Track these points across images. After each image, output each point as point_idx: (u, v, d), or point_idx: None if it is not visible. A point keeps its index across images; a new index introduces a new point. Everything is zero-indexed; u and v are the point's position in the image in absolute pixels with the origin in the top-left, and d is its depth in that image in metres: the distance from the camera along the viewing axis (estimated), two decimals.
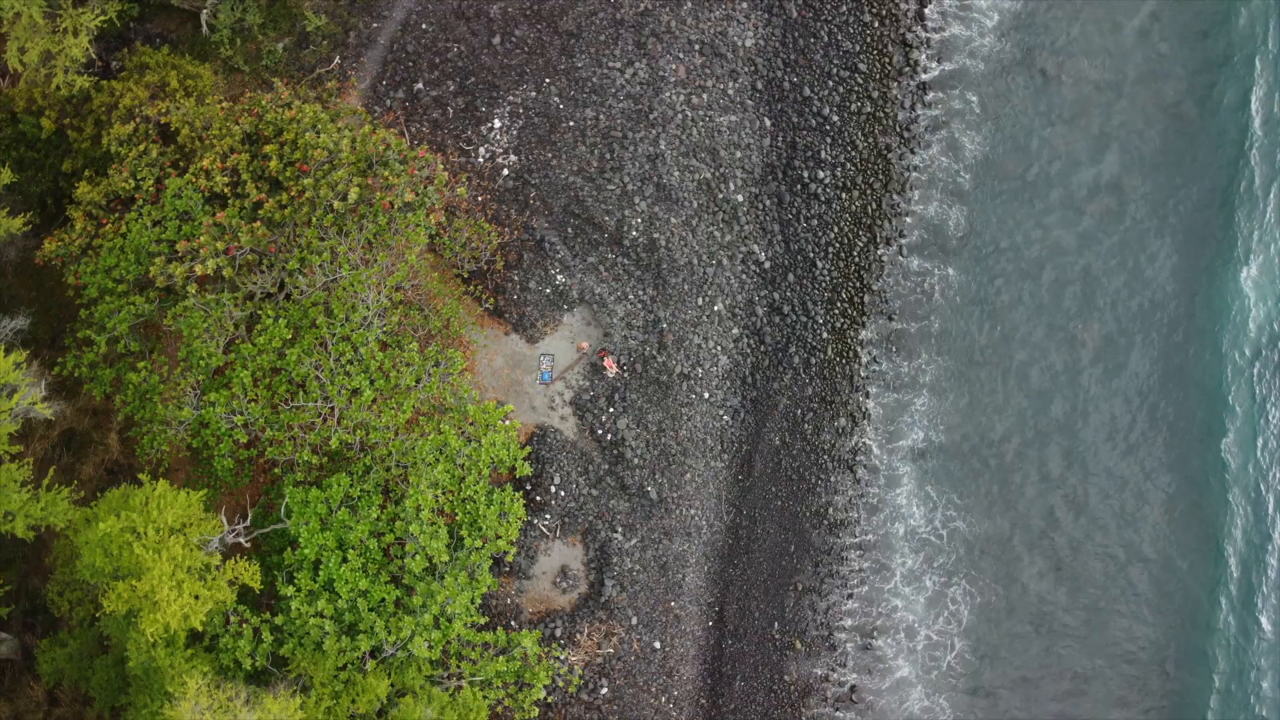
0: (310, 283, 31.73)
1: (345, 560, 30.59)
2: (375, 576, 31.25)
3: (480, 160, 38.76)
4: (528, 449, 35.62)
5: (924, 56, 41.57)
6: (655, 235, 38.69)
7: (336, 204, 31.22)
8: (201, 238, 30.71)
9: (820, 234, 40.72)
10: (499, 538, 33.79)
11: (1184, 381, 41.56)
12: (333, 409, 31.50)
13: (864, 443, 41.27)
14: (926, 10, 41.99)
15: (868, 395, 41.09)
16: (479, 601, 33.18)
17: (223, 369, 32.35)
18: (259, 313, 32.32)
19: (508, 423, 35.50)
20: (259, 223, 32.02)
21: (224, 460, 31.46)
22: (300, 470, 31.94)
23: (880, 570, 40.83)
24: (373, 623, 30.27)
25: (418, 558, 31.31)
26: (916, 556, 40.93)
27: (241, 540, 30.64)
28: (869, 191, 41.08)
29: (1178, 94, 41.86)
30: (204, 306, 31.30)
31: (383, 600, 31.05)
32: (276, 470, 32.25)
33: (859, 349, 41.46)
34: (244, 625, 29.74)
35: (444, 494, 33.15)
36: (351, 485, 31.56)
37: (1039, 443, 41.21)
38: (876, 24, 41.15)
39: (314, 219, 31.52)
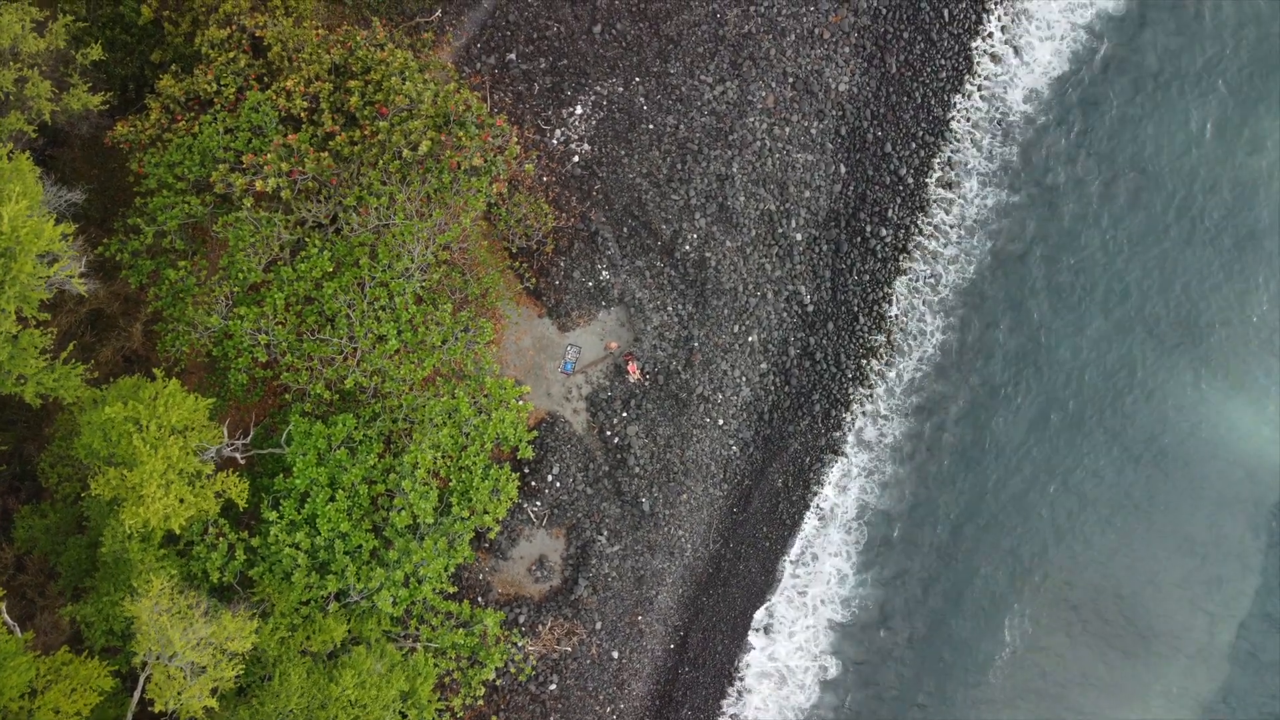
0: (363, 223, 31.98)
1: (333, 499, 30.74)
2: (358, 522, 31.40)
3: (554, 142, 38.94)
4: (534, 433, 35.67)
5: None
6: (707, 254, 38.68)
7: (406, 152, 31.46)
8: (269, 154, 31.04)
9: (869, 291, 40.54)
10: (486, 513, 33.85)
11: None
12: (355, 350, 31.69)
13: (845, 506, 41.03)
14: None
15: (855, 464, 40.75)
16: (452, 570, 33.21)
17: (258, 287, 32.63)
18: (306, 240, 32.59)
19: (521, 403, 35.60)
20: (327, 153, 32.32)
21: (239, 375, 31.72)
22: (310, 402, 32.16)
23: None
24: (345, 566, 30.39)
25: (403, 513, 31.41)
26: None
27: (237, 456, 30.83)
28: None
29: None
30: (255, 221, 31.60)
31: (359, 547, 31.18)
32: (287, 396, 32.48)
33: (868, 416, 41.16)
34: (220, 539, 29.95)
35: (443, 458, 33.27)
36: (356, 428, 31.71)
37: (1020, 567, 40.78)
38: (976, 95, 40.96)
39: (381, 162, 31.77)
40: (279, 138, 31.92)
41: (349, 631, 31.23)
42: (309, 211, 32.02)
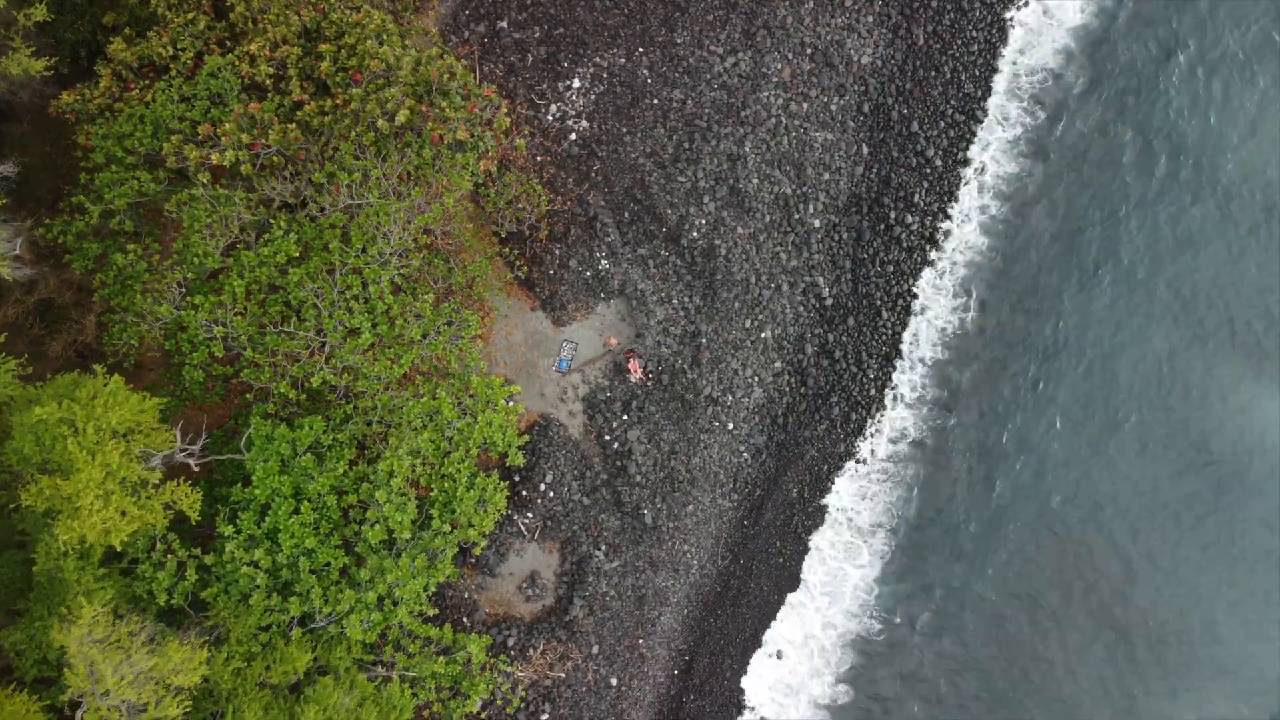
0: (333, 202, 29.04)
1: (297, 511, 27.88)
2: (326, 537, 28.53)
3: (549, 119, 35.95)
4: (525, 438, 32.70)
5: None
6: (717, 241, 35.68)
7: (381, 123, 28.50)
8: (227, 124, 28.03)
9: (894, 283, 37.55)
10: (471, 526, 31.05)
11: None
12: (324, 344, 28.72)
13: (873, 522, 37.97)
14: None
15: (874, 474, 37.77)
16: (433, 590, 30.30)
17: (217, 274, 29.67)
18: (270, 221, 29.63)
19: (511, 404, 32.64)
20: (294, 125, 29.34)
21: (194, 371, 28.78)
22: (274, 402, 29.22)
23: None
24: (310, 587, 27.52)
25: (377, 527, 28.51)
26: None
27: (191, 463, 27.83)
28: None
29: None
30: (212, 200, 28.66)
31: (327, 565, 28.33)
32: (248, 396, 29.49)
33: (892, 419, 38.13)
34: (169, 556, 27.04)
35: (423, 465, 30.44)
36: (325, 431, 28.83)
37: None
38: (1010, 68, 37.96)
39: (354, 134, 28.83)
40: (240, 107, 28.91)
41: (314, 660, 28.30)
42: (273, 189, 29.07)
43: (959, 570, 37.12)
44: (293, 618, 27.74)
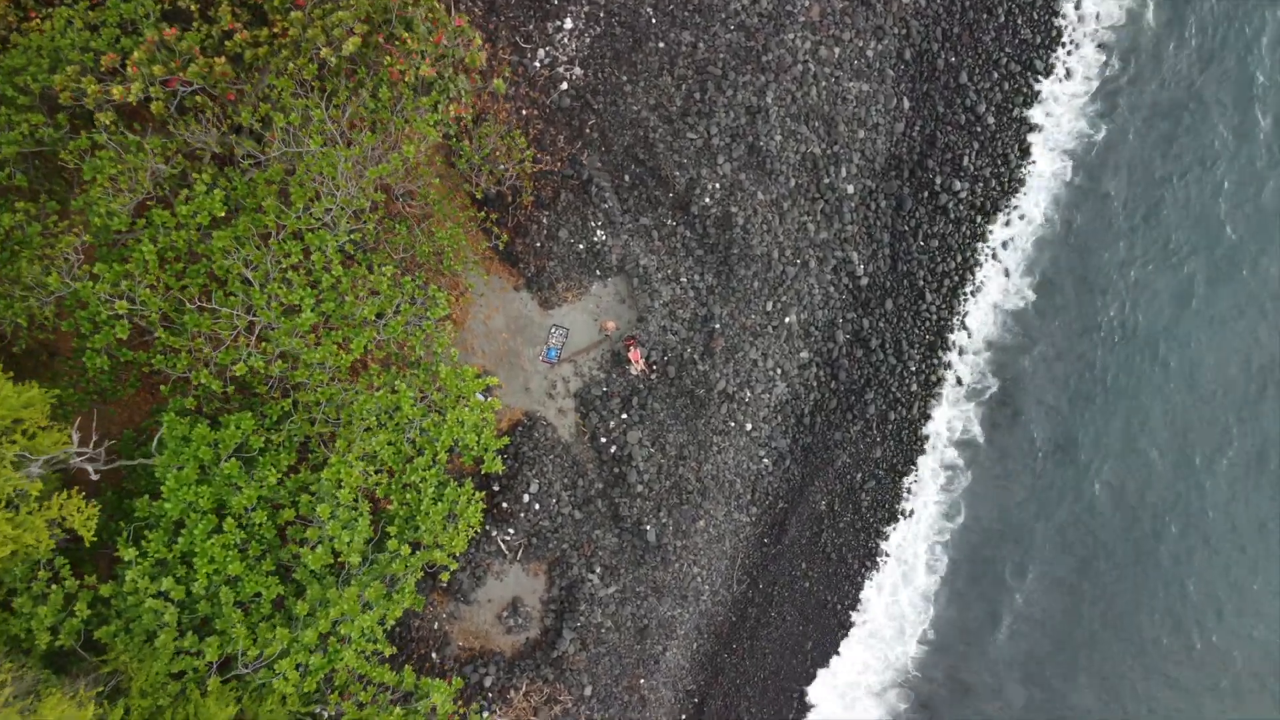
0: (267, 150, 24.00)
1: (219, 530, 22.94)
2: (256, 562, 23.64)
3: (536, 65, 30.93)
4: (505, 440, 27.66)
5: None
6: (733, 209, 30.68)
7: (325, 52, 23.59)
8: (135, 53, 23.01)
9: (939, 260, 32.59)
10: (439, 546, 26.13)
11: None
12: (254, 324, 23.70)
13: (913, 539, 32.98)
14: None
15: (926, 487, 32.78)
16: (392, 623, 25.29)
17: (125, 238, 24.69)
18: (193, 175, 24.64)
19: (487, 399, 27.63)
20: (223, 58, 24.26)
21: (96, 357, 23.73)
22: (196, 396, 24.27)
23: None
24: (233, 623, 22.52)
25: (319, 549, 23.62)
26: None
27: (90, 470, 22.84)
28: (1016, 224, 32.78)
29: None
30: (118, 147, 23.63)
31: (257, 596, 23.41)
32: (163, 389, 24.51)
33: (940, 420, 33.11)
34: (53, 586, 22.00)
35: (379, 472, 25.45)
36: (256, 432, 23.85)
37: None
38: (1076, 17, 32.94)
39: (293, 68, 23.78)
40: (155, 34, 23.86)
41: (239, 715, 23.22)
42: (193, 136, 24.06)
43: (1027, 605, 32.08)
44: (211, 663, 22.74)
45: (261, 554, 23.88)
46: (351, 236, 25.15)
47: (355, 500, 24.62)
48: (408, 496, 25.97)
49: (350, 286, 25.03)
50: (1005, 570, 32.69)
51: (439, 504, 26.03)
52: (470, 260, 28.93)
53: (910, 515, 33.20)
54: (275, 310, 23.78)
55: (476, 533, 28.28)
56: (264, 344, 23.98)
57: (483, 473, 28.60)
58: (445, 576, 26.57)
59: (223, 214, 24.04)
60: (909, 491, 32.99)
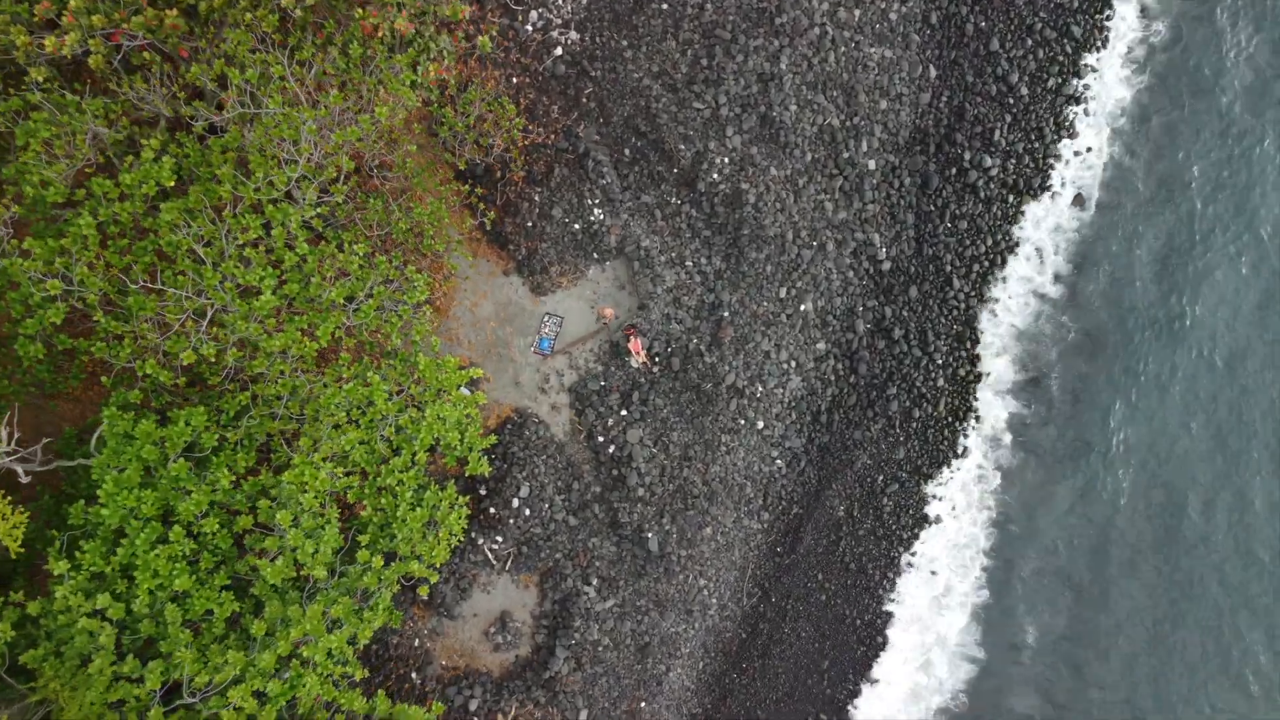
0: (226, 112, 21.52)
1: (165, 540, 20.46)
2: (207, 575, 21.16)
3: (529, 29, 28.44)
4: (493, 438, 25.14)
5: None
6: (743, 186, 28.17)
7: (287, 2, 20.98)
8: (72, 1, 20.51)
9: (968, 243, 30.06)
10: (418, 557, 23.66)
11: None
12: (210, 309, 21.22)
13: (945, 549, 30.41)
14: None
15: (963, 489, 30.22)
16: (364, 643, 22.82)
17: (64, 210, 22.25)
18: (141, 141, 22.16)
19: (471, 393, 25.11)
20: (174, 9, 21.80)
21: (30, 344, 21.24)
22: (142, 388, 21.83)
23: None
24: (180, 645, 20.05)
25: (280, 562, 21.05)
26: None
27: (20, 471, 20.36)
28: (1054, 205, 30.22)
29: None
30: (55, 108, 21.14)
31: (208, 614, 20.93)
32: (104, 380, 22.01)
33: (981, 418, 30.55)
34: None
35: (350, 475, 23.02)
36: (209, 428, 21.32)
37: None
38: None
39: (249, 18, 21.27)
40: None
41: None
42: (138, 96, 21.58)
43: (1069, 627, 29.54)
44: (154, 690, 20.24)
45: (214, 567, 21.40)
46: (319, 210, 22.64)
47: (322, 506, 22.13)
48: (382, 501, 23.52)
49: (317, 267, 22.55)
50: (1044, 583, 30.15)
51: (418, 510, 23.58)
52: (454, 240, 26.40)
53: (937, 521, 30.62)
54: (230, 292, 21.27)
55: (460, 541, 25.78)
56: (217, 329, 21.49)
57: (467, 475, 26.09)
58: (424, 591, 24.07)
59: (172, 184, 21.56)
60: (936, 496, 30.42)
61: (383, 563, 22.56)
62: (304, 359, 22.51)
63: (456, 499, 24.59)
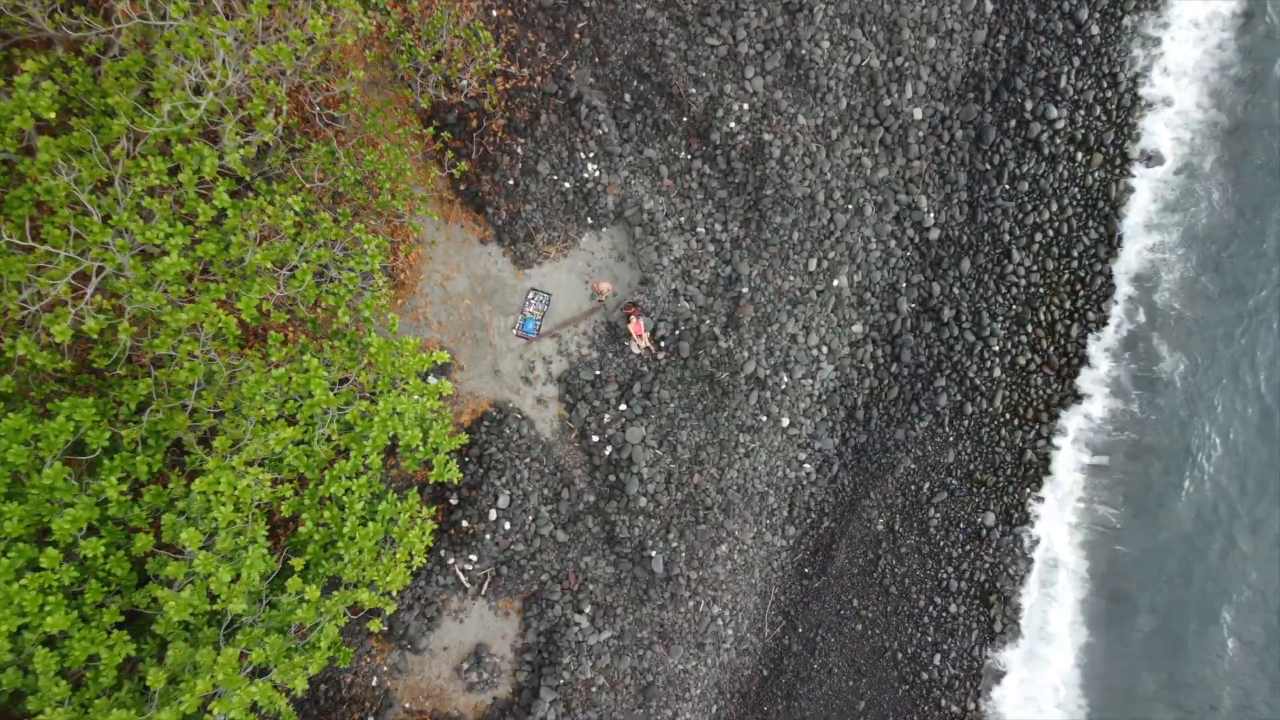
0: (117, 22, 17.32)
1: (35, 569, 16.25)
2: (95, 610, 16.95)
3: None
4: (464, 437, 20.82)
5: None
6: (766, 137, 23.97)
7: None
8: None
9: (1030, 208, 25.86)
10: (371, 584, 19.61)
11: None
12: (99, 270, 17.04)
13: (1017, 573, 26.10)
14: None
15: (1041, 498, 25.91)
16: (301, 690, 18.62)
17: None
18: (17, 62, 18.00)
19: (435, 381, 20.80)
20: None
21: None
22: (18, 375, 17.69)
23: None
24: (52, 701, 15.96)
25: (187, 592, 16.89)
26: None
27: None
28: (1126, 165, 25.95)
29: None
30: None
31: (94, 660, 16.76)
32: None
33: (1049, 413, 26.26)
34: None
35: (283, 481, 18.91)
36: (99, 422, 17.16)
37: None
38: None
39: None
40: None
41: None
42: (12, 8, 17.37)
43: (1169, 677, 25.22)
44: None
45: (105, 599, 17.17)
46: (242, 151, 18.34)
47: (245, 521, 17.92)
48: (325, 515, 19.32)
49: (240, 223, 18.28)
50: (1136, 616, 25.84)
51: (369, 525, 19.43)
52: (419, 197, 22.09)
53: (987, 538, 26.33)
54: (124, 251, 17.02)
55: (424, 563, 21.53)
56: (105, 296, 17.27)
57: (432, 480, 21.84)
58: (377, 625, 19.85)
59: (53, 116, 17.25)
60: (991, 507, 26.13)
61: (319, 592, 18.31)
62: (223, 338, 18.26)
63: (418, 510, 20.44)
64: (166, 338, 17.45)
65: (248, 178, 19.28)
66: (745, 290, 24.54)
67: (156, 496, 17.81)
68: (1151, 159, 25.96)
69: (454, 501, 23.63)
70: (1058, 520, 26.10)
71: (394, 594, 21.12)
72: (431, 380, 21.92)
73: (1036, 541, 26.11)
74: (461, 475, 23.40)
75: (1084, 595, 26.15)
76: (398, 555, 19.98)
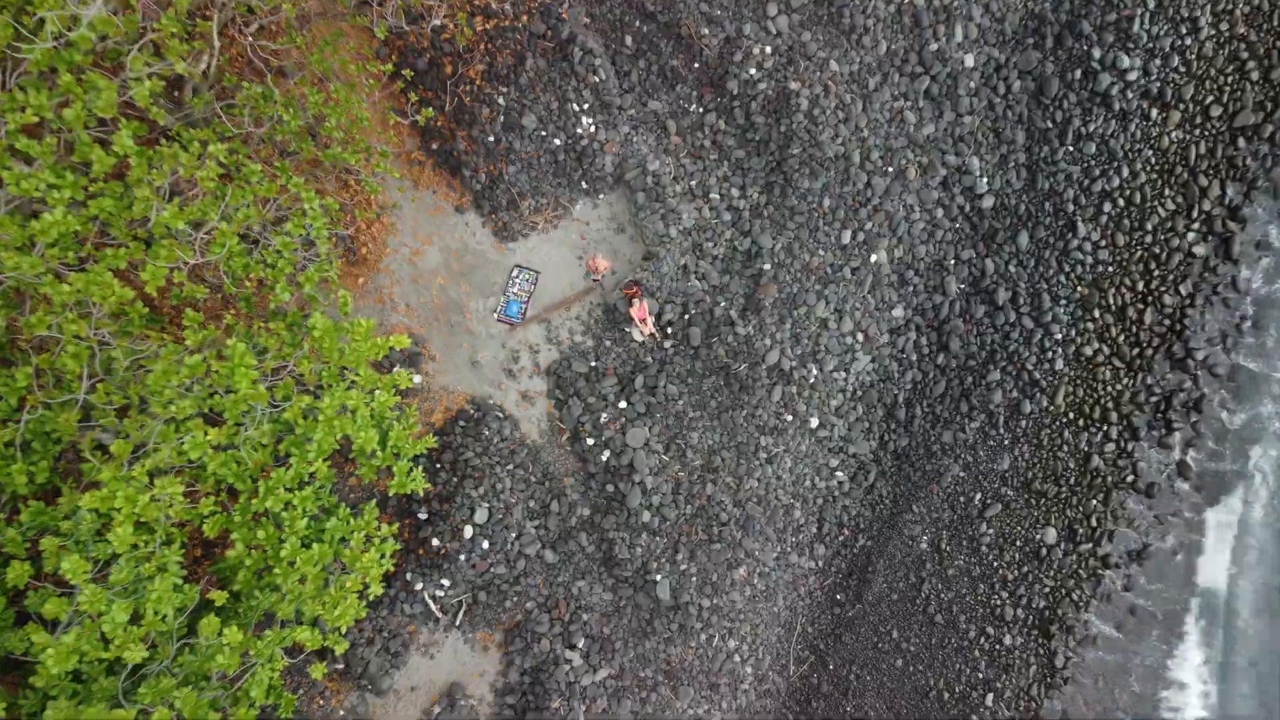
0: None
1: None
2: None
3: None
4: (432, 440, 17.35)
5: None
6: (792, 86, 20.57)
7: None
8: None
9: (1097, 173, 22.37)
10: (316, 620, 16.39)
11: None
12: None
13: (1087, 601, 22.62)
14: None
15: (1117, 515, 22.36)
16: None
17: None
18: None
19: (396, 371, 17.29)
20: None
21: None
22: None
23: None
24: None
25: (70, 636, 13.52)
26: None
27: None
28: (1207, 124, 22.46)
29: None
30: None
31: None
32: None
33: (1122, 414, 22.76)
34: None
35: (207, 495, 15.59)
36: None
37: None
38: None
39: None
40: None
41: None
42: None
43: None
44: None
45: None
46: (149, 85, 14.87)
47: (151, 546, 14.58)
48: (260, 536, 15.91)
49: (145, 174, 14.84)
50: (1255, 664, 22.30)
51: (314, 547, 16.08)
52: (379, 151, 18.61)
53: (1047, 558, 22.81)
54: None
55: (382, 592, 18.09)
56: None
57: (391, 492, 18.38)
58: (319, 671, 16.49)
59: None
60: (1052, 522, 22.62)
61: (243, 634, 14.89)
62: (124, 317, 14.85)
63: (375, 527, 17.07)
64: (46, 315, 14.02)
65: (161, 122, 15.84)
66: (767, 267, 21.09)
67: (37, 515, 14.39)
68: None
69: (423, 516, 20.21)
70: (1132, 537, 22.63)
71: (344, 631, 17.71)
72: (394, 369, 18.45)
73: (1105, 560, 22.62)
74: (431, 485, 20.09)
75: (1173, 627, 22.70)
76: (349, 583, 16.61)
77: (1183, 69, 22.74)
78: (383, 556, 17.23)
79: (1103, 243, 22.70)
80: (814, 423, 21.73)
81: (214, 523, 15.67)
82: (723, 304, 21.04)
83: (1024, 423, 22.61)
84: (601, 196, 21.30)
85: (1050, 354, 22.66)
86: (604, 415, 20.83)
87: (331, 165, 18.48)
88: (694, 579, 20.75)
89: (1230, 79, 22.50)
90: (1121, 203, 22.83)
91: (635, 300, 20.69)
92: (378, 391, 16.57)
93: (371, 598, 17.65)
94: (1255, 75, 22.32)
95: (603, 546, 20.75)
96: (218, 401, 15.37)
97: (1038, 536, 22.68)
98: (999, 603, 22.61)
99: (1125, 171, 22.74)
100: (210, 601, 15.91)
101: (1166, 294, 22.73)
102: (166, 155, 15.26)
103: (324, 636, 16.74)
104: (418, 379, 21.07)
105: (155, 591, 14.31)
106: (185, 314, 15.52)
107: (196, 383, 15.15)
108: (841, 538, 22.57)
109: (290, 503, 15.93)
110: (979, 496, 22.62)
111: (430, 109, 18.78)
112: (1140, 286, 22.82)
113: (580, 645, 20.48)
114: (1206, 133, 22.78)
